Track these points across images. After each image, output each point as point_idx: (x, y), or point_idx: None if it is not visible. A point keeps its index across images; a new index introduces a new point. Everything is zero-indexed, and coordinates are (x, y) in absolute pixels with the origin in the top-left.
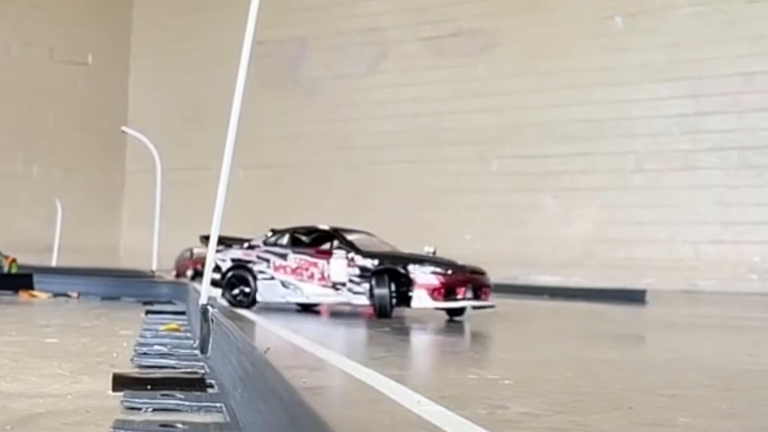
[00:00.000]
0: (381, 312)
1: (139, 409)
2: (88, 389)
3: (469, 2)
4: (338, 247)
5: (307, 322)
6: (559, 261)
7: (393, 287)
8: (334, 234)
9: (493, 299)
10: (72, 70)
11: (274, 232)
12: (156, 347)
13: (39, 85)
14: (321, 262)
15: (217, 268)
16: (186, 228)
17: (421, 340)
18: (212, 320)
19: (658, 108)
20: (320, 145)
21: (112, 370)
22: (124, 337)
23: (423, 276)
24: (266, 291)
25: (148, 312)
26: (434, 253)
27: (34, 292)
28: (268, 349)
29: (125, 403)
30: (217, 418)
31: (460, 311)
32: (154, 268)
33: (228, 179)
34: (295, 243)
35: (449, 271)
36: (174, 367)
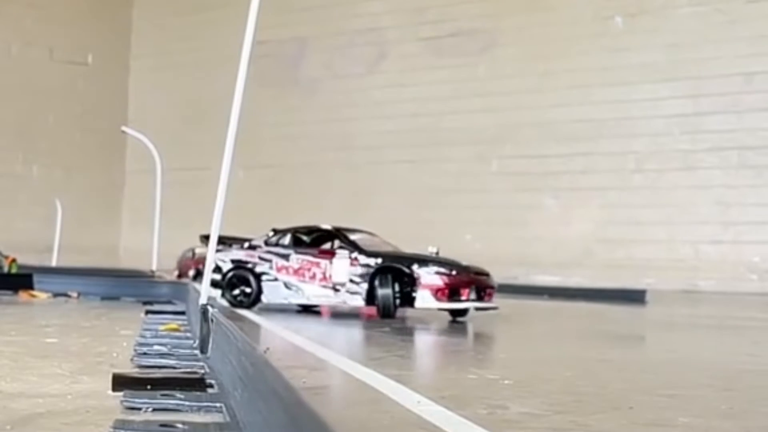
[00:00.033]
0: (385, 312)
1: (139, 409)
2: (88, 389)
3: (469, 2)
4: (341, 247)
5: (308, 323)
6: (559, 261)
7: (396, 287)
8: (337, 234)
9: (494, 300)
10: (72, 70)
11: (276, 231)
12: (156, 347)
13: (39, 85)
14: (323, 262)
15: (217, 269)
16: (186, 228)
17: (422, 340)
18: (212, 320)
19: (658, 108)
20: (320, 145)
21: (112, 370)
22: (124, 337)
23: (427, 276)
24: (270, 292)
25: (147, 312)
26: (437, 253)
27: (34, 292)
28: (268, 349)
29: (125, 403)
30: (217, 418)
31: (463, 312)
32: (154, 268)
33: (228, 179)
34: (297, 243)
35: (453, 272)
36: (174, 367)
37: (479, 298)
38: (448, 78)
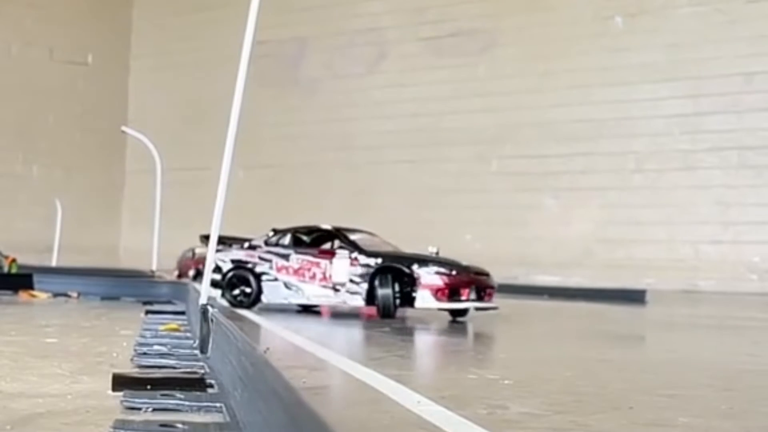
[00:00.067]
0: (385, 312)
1: (139, 409)
2: (88, 389)
3: (469, 2)
4: (341, 247)
5: (308, 323)
6: (559, 261)
7: (397, 287)
8: (337, 234)
9: (494, 300)
10: (72, 70)
11: (276, 231)
12: (156, 347)
13: (39, 85)
14: (324, 262)
15: (217, 269)
16: (186, 228)
17: (422, 340)
18: (212, 320)
19: (658, 108)
20: (320, 145)
21: (112, 370)
22: (123, 337)
23: (427, 276)
24: (270, 292)
25: (147, 312)
26: (437, 253)
27: (34, 292)
28: (268, 349)
29: (125, 403)
30: (216, 418)
31: (463, 312)
32: (154, 268)
33: (228, 179)
34: (297, 243)
35: (454, 272)
36: (174, 367)
37: (479, 298)
38: (448, 78)
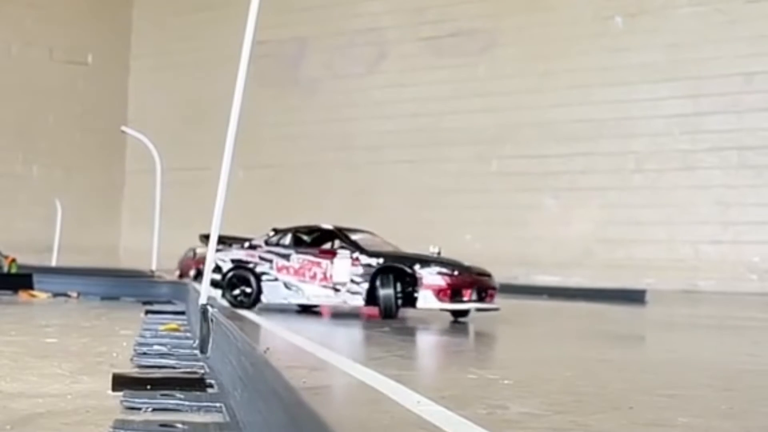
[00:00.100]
0: (386, 312)
1: (139, 409)
2: (88, 389)
3: (469, 2)
4: (342, 247)
5: (308, 323)
6: (559, 261)
7: (398, 287)
8: (338, 234)
9: (494, 300)
10: (72, 70)
11: (276, 231)
12: (156, 347)
13: (39, 85)
14: (324, 262)
15: (217, 268)
16: (186, 228)
17: (422, 341)
18: (212, 320)
19: (658, 108)
20: (320, 145)
21: (111, 370)
22: (123, 337)
23: (429, 276)
24: (270, 292)
25: (147, 312)
26: (439, 253)
27: (34, 292)
28: (268, 349)
29: (125, 403)
30: (216, 418)
31: (464, 312)
32: (153, 268)
33: (228, 179)
34: (298, 243)
35: (456, 272)
36: (174, 367)
37: (481, 299)
38: (448, 78)
